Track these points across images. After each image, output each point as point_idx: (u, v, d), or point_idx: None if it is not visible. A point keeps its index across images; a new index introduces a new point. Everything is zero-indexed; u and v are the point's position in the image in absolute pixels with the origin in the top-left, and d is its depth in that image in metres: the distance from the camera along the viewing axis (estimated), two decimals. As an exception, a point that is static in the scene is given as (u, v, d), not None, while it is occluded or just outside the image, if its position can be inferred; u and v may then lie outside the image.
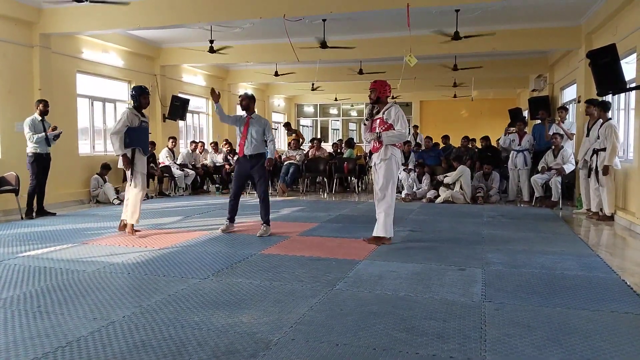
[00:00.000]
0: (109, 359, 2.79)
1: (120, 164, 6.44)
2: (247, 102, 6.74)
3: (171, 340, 3.06)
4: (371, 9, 7.93)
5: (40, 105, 8.28)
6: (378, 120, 5.92)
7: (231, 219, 6.89)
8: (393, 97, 20.96)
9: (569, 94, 12.59)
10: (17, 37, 8.93)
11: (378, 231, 5.91)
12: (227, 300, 3.83)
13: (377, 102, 5.99)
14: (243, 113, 6.84)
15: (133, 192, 6.51)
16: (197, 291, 4.06)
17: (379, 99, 5.98)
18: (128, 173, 6.50)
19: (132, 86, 6.71)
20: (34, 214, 8.26)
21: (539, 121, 10.93)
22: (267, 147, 6.77)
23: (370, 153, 6.17)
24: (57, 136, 8.37)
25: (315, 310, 3.58)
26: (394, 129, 5.82)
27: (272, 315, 3.47)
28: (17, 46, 8.93)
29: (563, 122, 9.91)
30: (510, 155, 10.20)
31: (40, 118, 8.27)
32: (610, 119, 7.78)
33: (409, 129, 12.30)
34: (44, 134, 8.16)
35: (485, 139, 11.58)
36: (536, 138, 10.31)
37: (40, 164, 8.26)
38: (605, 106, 7.85)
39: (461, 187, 9.92)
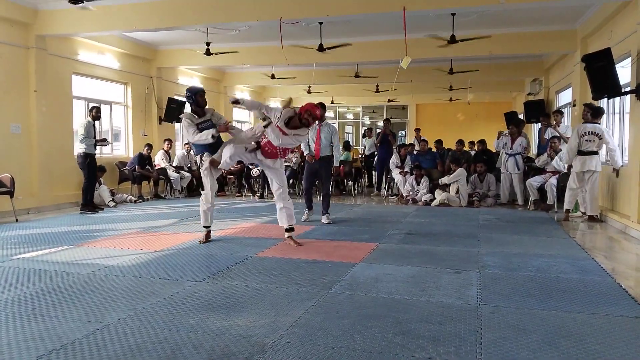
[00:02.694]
0: (104, 362, 2.78)
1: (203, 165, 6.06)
2: (323, 113, 7.31)
3: (166, 343, 3.05)
4: (368, 12, 7.95)
5: (94, 111, 9.09)
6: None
7: (309, 207, 8.02)
8: (390, 100, 21.07)
9: (565, 97, 12.64)
10: (13, 38, 8.90)
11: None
12: (222, 303, 3.83)
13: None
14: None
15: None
16: (192, 294, 4.05)
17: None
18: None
19: (186, 88, 6.42)
20: (96, 210, 9.16)
21: (533, 124, 10.96)
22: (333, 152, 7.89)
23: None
24: (103, 143, 9.36)
25: (311, 313, 3.58)
26: None
27: (267, 318, 3.47)
28: (13, 47, 8.91)
29: (558, 126, 9.94)
30: (503, 159, 10.23)
31: (93, 122, 9.00)
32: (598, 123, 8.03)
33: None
34: (94, 139, 8.96)
35: (482, 142, 11.60)
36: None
37: (93, 162, 9.06)
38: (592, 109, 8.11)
39: (457, 191, 9.94)
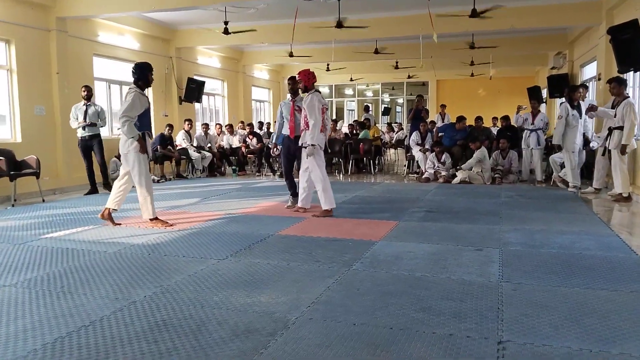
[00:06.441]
0: (131, 337, 2.86)
1: (132, 148, 5.78)
2: (295, 86, 6.97)
3: (191, 319, 3.12)
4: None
5: (81, 90, 8.84)
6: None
7: (293, 194, 7.22)
8: (410, 77, 20.80)
9: (589, 71, 12.36)
10: (34, 21, 8.99)
11: (325, 204, 6.53)
12: (245, 280, 3.89)
13: (306, 91, 6.60)
14: (287, 97, 7.30)
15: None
16: (216, 271, 4.12)
17: (306, 88, 6.60)
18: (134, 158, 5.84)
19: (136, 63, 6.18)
20: (97, 190, 9.07)
21: (559, 99, 10.72)
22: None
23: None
24: (89, 125, 8.83)
25: (333, 290, 3.62)
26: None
27: (289, 295, 3.51)
28: (34, 30, 9.00)
29: (583, 101, 9.72)
30: (524, 135, 10.04)
31: (83, 103, 8.79)
32: (628, 96, 7.56)
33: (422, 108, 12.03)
34: (78, 122, 8.75)
35: (505, 118, 11.39)
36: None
37: (83, 146, 8.90)
38: (622, 81, 7.63)
39: (481, 170, 9.83)
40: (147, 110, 5.97)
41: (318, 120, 6.38)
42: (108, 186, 9.07)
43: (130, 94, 5.79)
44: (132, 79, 5.95)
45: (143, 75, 5.94)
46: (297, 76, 6.72)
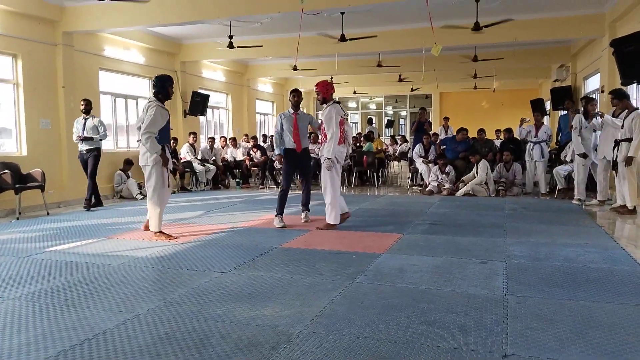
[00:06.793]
0: (134, 351, 2.85)
1: (150, 161, 5.85)
2: (298, 100, 6.95)
3: (195, 332, 3.11)
4: (389, 1, 7.88)
5: (80, 104, 8.73)
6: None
7: (281, 212, 6.89)
8: (413, 90, 20.87)
9: (592, 83, 12.37)
10: (41, 35, 9.09)
11: (330, 218, 6.51)
12: (248, 293, 3.88)
13: (324, 102, 6.54)
14: (289, 111, 6.99)
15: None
16: (219, 284, 4.12)
17: (324, 100, 6.51)
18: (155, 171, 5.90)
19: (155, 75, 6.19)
20: (102, 202, 9.03)
21: (562, 112, 10.73)
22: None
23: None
24: (86, 138, 8.65)
25: (336, 304, 3.60)
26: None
27: (293, 308, 3.51)
28: (41, 45, 9.10)
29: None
30: (527, 147, 10.04)
31: (82, 117, 8.68)
32: (637, 108, 7.53)
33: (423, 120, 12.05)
34: (75, 135, 8.67)
35: (508, 130, 11.40)
36: (563, 129, 10.10)
37: (82, 160, 8.75)
38: (623, 94, 7.61)
39: (486, 182, 9.81)
40: (167, 123, 5.97)
41: (335, 133, 6.31)
42: (88, 205, 8.71)
43: (152, 108, 5.76)
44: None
45: (163, 88, 5.97)
46: (315, 87, 6.57)
